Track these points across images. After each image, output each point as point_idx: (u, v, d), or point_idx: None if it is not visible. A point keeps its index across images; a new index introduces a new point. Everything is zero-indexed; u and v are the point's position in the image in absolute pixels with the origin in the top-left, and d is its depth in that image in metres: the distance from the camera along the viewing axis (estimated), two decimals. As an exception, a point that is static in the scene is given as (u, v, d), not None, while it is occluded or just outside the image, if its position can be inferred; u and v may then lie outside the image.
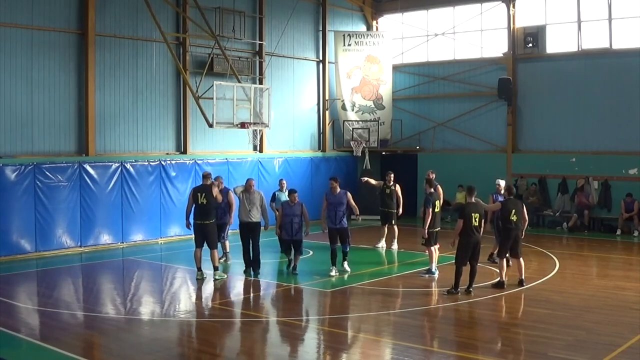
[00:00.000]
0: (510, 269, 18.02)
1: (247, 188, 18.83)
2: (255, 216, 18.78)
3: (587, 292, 16.89)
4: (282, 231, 18.92)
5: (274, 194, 22.48)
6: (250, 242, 19.00)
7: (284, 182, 22.72)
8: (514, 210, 16.96)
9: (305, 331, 13.89)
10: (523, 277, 17.27)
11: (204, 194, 18.05)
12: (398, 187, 22.66)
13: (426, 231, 18.22)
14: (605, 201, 27.66)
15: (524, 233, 17.62)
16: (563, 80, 29.12)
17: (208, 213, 18.12)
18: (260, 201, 18.82)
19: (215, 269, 18.05)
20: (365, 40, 33.14)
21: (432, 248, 18.42)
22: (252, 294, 17.48)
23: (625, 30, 27.85)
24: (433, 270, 18.44)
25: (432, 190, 18.76)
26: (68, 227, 22.67)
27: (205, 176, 18.79)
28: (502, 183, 19.85)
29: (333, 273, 18.64)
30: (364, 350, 12.59)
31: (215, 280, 17.68)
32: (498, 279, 17.16)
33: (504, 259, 17.14)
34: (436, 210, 18.51)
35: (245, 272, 18.88)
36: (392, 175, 22.97)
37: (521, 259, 17.35)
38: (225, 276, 18.27)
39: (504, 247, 17.09)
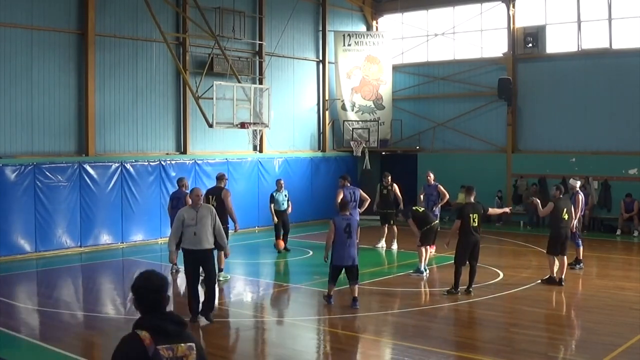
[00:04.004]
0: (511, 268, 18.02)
1: (194, 201, 13.84)
2: (208, 241, 13.71)
3: (587, 292, 16.91)
4: (335, 254, 15.03)
5: (271, 195, 22.54)
6: (198, 275, 14.12)
7: (282, 182, 22.81)
8: (565, 209, 17.27)
9: (305, 331, 13.89)
10: (563, 276, 17.33)
11: (214, 197, 17.90)
12: (396, 187, 22.64)
13: (418, 234, 18.54)
14: (605, 201, 27.66)
15: (576, 227, 18.57)
16: (563, 80, 29.12)
17: (222, 217, 17.74)
18: (212, 220, 13.76)
19: (220, 270, 17.69)
20: (365, 40, 33.13)
21: (424, 248, 18.47)
22: (252, 295, 17.48)
23: (625, 30, 27.85)
24: (422, 269, 18.46)
25: (407, 212, 19.34)
26: (68, 227, 22.66)
27: (219, 178, 18.67)
28: (578, 184, 19.69)
29: None
30: (364, 350, 12.60)
31: (219, 280, 17.54)
32: (549, 275, 17.36)
33: (558, 256, 17.24)
34: (420, 210, 19.03)
35: (192, 319, 13.58)
36: (390, 176, 22.97)
37: (565, 257, 17.39)
38: (229, 277, 18.22)
39: (555, 245, 17.24)
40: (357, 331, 13.58)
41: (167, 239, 21.30)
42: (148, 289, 4.83)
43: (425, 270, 18.50)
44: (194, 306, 13.73)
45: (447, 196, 22.40)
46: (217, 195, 17.87)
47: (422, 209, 19.25)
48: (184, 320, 4.84)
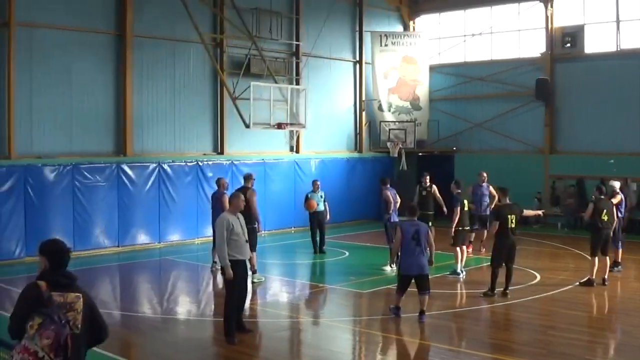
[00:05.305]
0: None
1: (239, 207, 13.13)
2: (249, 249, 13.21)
3: (626, 294, 16.77)
4: (403, 263, 14.17)
5: (306, 196, 22.51)
6: (240, 289, 13.02)
7: (318, 182, 22.77)
8: (605, 210, 17.24)
9: (341, 332, 13.90)
10: (606, 276, 17.36)
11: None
12: (435, 188, 22.32)
13: (453, 229, 18.52)
14: (644, 203, 27.37)
15: (617, 232, 18.33)
16: (601, 80, 28.80)
17: (245, 217, 17.51)
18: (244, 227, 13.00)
19: (254, 271, 17.54)
20: (401, 40, 33.06)
21: (459, 248, 18.45)
22: (288, 295, 17.51)
23: (666, 30, 27.56)
24: (458, 271, 18.43)
25: (459, 190, 19.22)
26: (106, 227, 22.85)
27: (246, 178, 18.54)
28: (617, 185, 19.46)
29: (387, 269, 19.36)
30: (400, 352, 12.61)
31: (253, 282, 17.47)
32: (587, 277, 17.30)
33: (595, 257, 17.22)
34: (466, 208, 19.03)
35: (232, 341, 12.51)
36: (428, 176, 22.70)
37: (607, 258, 17.49)
38: (263, 279, 18.19)
39: (596, 247, 17.24)
40: (392, 333, 13.56)
41: (205, 239, 21.31)
42: (63, 251, 6.16)
43: (462, 271, 18.44)
44: (232, 327, 12.65)
45: (496, 197, 22.13)
46: (243, 196, 17.73)
47: (467, 209, 19.16)
48: (75, 276, 6.12)
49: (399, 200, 20.19)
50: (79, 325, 5.97)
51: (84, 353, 6.13)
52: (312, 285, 18.59)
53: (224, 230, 12.50)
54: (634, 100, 27.87)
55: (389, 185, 20.24)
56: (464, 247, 18.86)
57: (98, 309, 6.26)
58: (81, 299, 6.02)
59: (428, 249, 14.20)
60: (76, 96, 22.80)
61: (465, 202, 19.19)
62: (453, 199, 19.00)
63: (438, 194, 22.14)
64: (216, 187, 19.87)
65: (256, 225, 17.79)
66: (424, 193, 22.37)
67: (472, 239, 21.74)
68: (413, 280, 13.98)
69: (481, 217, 21.83)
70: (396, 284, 14.48)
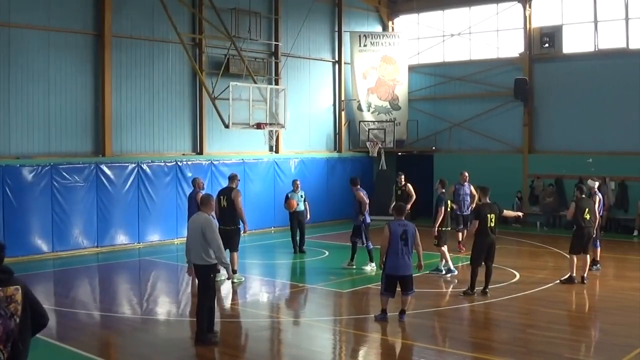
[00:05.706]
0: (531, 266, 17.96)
1: (211, 206, 12.93)
2: None
3: (604, 293, 16.84)
4: (388, 263, 13.79)
5: (286, 196, 22.48)
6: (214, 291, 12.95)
7: (298, 182, 22.76)
8: (587, 209, 17.40)
9: (321, 332, 13.89)
10: (585, 274, 17.50)
11: (225, 197, 17.81)
12: (410, 187, 22.45)
13: (435, 229, 18.55)
14: (622, 202, 27.50)
15: (595, 231, 18.19)
16: (579, 80, 28.96)
17: (229, 217, 17.66)
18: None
19: (234, 272, 17.34)
20: (381, 40, 33.11)
21: (442, 247, 18.54)
22: (268, 295, 17.48)
23: (642, 30, 27.72)
24: (452, 268, 18.56)
25: (444, 190, 19.37)
26: (85, 227, 22.73)
27: (230, 178, 18.46)
28: (596, 185, 19.47)
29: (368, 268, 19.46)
30: (380, 351, 12.59)
31: (233, 282, 17.45)
32: (568, 274, 17.50)
33: (574, 255, 17.41)
34: (449, 208, 19.22)
35: (205, 338, 12.41)
36: (403, 176, 22.82)
37: (587, 256, 17.65)
38: (244, 279, 18.16)
39: (578, 245, 17.43)
40: (373, 332, 13.54)
41: (184, 239, 21.32)
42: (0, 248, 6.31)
43: (454, 270, 18.57)
44: (205, 327, 12.50)
45: (476, 197, 22.19)
46: (227, 196, 17.77)
47: (450, 210, 19.29)
48: (11, 270, 6.30)
49: (368, 200, 20.10)
50: (20, 315, 6.33)
51: (28, 341, 6.60)
52: (292, 285, 18.55)
53: (215, 232, 12.28)
54: (611, 100, 28.03)
55: (359, 186, 20.07)
56: (446, 246, 18.87)
57: (35, 297, 6.54)
58: (20, 291, 6.30)
59: (415, 250, 13.97)
60: (54, 96, 22.67)
61: (449, 202, 19.35)
62: (437, 199, 19.08)
63: (413, 193, 22.29)
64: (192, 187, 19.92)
65: (240, 226, 17.86)
66: (399, 192, 22.54)
67: (460, 239, 21.97)
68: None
69: (463, 217, 21.96)
70: (380, 285, 14.18)
